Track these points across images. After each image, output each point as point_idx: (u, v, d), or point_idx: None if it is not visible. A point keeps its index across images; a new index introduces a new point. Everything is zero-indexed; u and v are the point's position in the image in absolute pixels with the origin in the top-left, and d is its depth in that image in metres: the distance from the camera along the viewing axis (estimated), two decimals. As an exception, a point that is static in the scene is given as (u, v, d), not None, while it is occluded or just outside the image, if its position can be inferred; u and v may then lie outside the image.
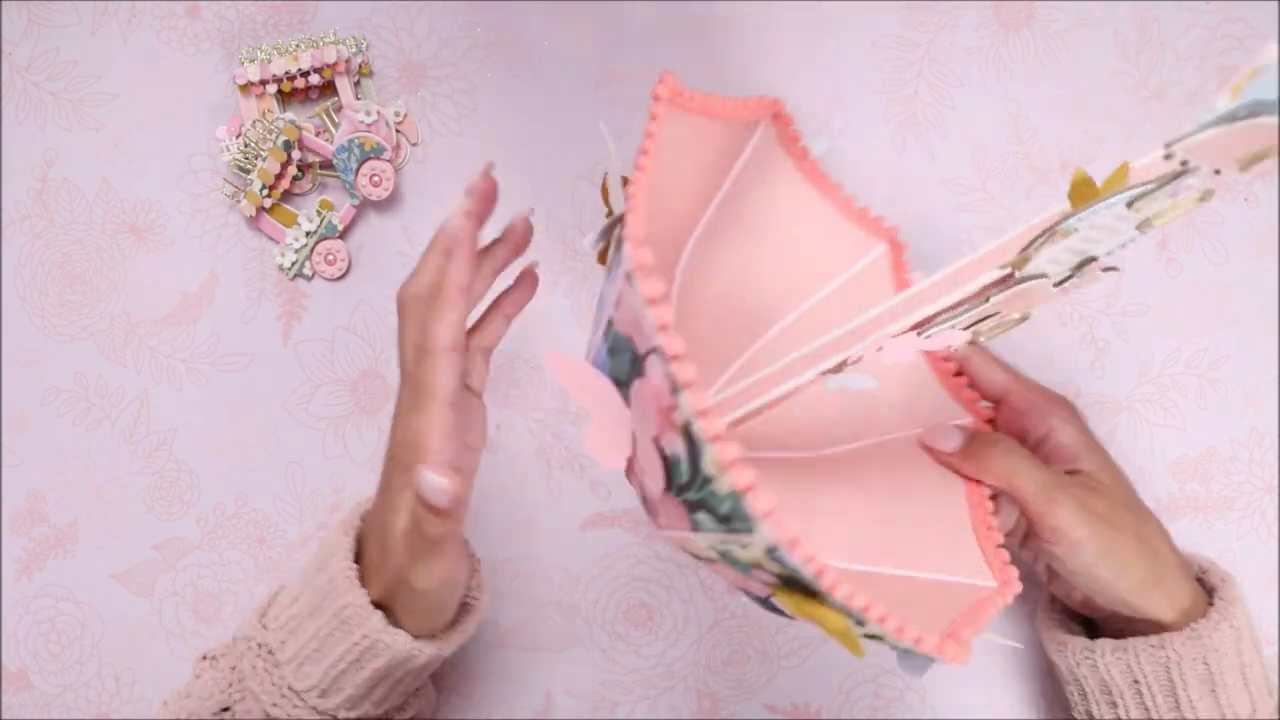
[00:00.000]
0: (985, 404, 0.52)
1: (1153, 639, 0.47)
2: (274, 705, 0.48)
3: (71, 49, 0.62)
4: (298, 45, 0.60)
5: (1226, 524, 0.59)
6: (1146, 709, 0.48)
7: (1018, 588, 0.43)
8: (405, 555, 0.46)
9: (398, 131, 0.61)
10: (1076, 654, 0.50)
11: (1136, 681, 0.48)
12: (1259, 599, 0.59)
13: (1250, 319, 0.60)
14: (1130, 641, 0.48)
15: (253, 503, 0.60)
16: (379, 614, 0.47)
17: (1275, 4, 0.60)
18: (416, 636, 0.47)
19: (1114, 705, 0.50)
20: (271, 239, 0.61)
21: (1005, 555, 0.45)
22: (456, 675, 0.60)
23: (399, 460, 0.46)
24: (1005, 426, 0.52)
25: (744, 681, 0.59)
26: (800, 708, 0.59)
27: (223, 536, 0.60)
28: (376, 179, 0.59)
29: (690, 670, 0.59)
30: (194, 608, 0.60)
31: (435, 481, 0.43)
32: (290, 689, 0.48)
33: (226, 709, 0.50)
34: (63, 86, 0.62)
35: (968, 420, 0.51)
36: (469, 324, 0.48)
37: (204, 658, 0.53)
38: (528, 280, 0.51)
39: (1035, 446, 0.51)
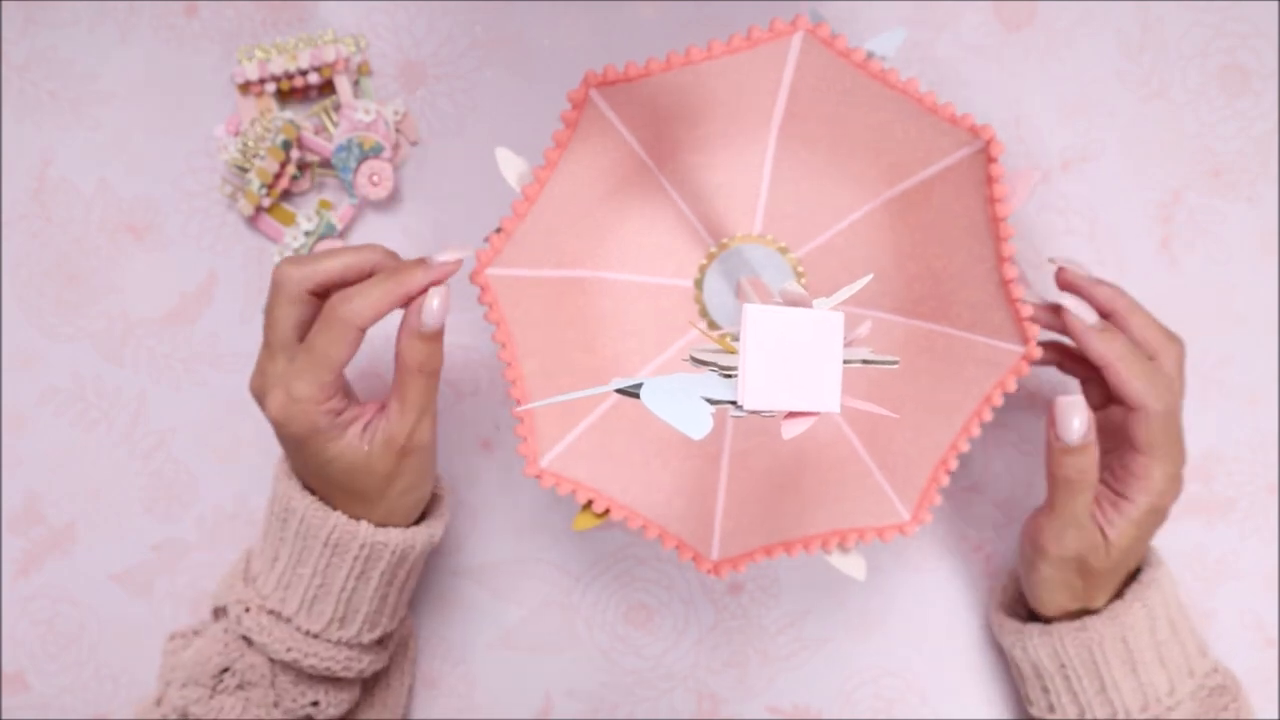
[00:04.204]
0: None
1: (1075, 622, 0.51)
2: (288, 650, 0.50)
3: (69, 48, 0.61)
4: (296, 44, 0.60)
5: (1229, 524, 0.59)
6: (1074, 693, 0.52)
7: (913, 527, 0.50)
8: (368, 448, 0.49)
9: (397, 131, 0.60)
10: (1010, 636, 0.54)
11: (1063, 665, 0.52)
12: (1260, 599, 0.59)
13: (1252, 318, 0.60)
14: (1056, 626, 0.51)
15: (252, 503, 0.60)
16: (364, 522, 0.50)
17: (1275, 4, 0.60)
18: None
19: (1045, 691, 0.53)
20: (270, 238, 0.60)
21: (934, 501, 0.50)
22: (456, 675, 0.60)
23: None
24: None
25: (744, 682, 0.59)
26: (801, 708, 0.59)
27: (221, 537, 0.60)
28: (375, 178, 0.59)
29: (690, 671, 0.59)
30: (193, 609, 0.60)
31: (431, 301, 0.47)
32: (308, 634, 0.50)
33: (226, 669, 0.51)
34: (60, 85, 0.61)
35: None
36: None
37: (172, 638, 0.54)
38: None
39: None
